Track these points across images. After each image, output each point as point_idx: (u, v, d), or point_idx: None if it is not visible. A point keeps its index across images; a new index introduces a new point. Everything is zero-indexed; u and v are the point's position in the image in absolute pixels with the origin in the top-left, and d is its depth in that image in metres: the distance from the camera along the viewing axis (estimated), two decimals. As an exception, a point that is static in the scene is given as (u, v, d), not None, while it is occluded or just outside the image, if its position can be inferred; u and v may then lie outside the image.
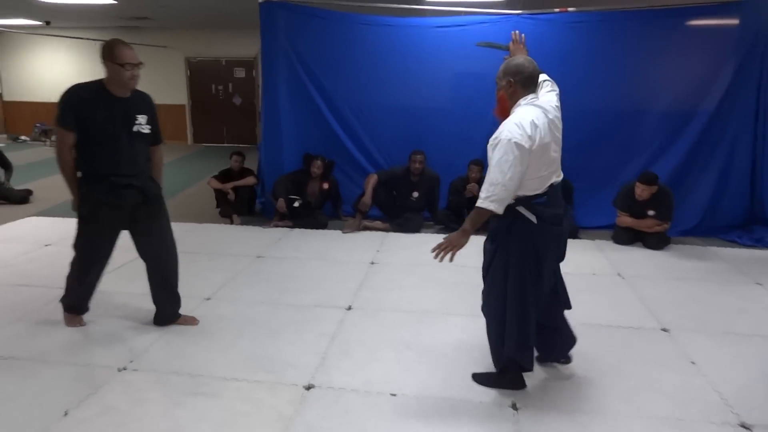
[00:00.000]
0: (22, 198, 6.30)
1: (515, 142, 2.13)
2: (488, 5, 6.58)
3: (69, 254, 3.03)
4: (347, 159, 5.75)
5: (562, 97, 2.45)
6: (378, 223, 5.48)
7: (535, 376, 2.64)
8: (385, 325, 3.26)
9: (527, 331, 2.36)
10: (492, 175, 2.16)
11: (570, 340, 2.67)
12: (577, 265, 4.34)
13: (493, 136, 2.20)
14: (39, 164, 8.90)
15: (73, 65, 11.69)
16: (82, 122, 2.71)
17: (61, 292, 3.14)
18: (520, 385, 2.53)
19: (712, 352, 2.99)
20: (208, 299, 3.63)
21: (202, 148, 11.46)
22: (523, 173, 2.16)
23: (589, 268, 4.33)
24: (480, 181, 5.36)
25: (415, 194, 5.42)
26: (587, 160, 5.32)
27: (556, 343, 2.68)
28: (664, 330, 3.27)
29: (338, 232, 5.33)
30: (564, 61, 5.18)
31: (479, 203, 2.20)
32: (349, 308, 3.50)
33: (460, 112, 5.57)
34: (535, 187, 2.24)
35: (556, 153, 2.28)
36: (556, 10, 5.07)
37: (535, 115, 2.19)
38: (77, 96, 2.72)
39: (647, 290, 3.89)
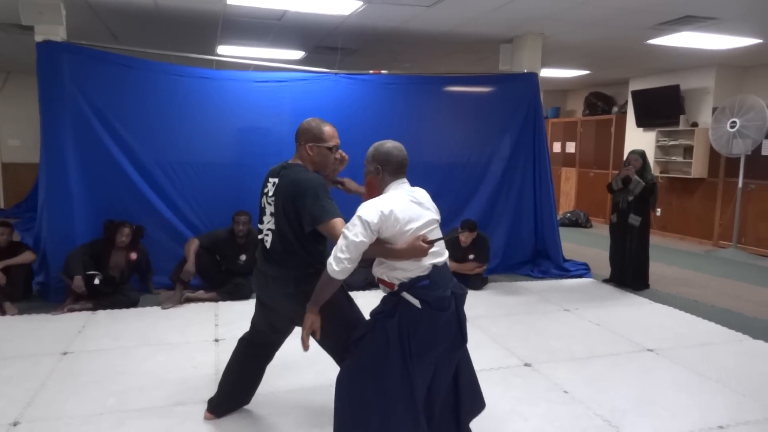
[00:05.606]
0: None
1: (364, 219, 2.06)
2: (284, 61, 6.59)
3: None
4: (158, 224, 4.99)
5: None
6: (201, 293, 4.86)
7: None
8: (282, 416, 2.84)
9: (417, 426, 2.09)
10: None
11: None
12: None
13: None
14: None
15: None
16: None
17: None
18: None
19: (575, 379, 3.35)
20: (16, 425, 2.70)
21: None
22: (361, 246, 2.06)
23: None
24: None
25: (243, 258, 4.96)
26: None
27: None
28: (527, 365, 3.55)
29: (156, 308, 4.57)
30: (377, 118, 5.46)
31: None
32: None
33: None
34: (413, 267, 2.10)
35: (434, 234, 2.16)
36: (371, 71, 5.33)
37: (394, 201, 2.12)
38: None
39: (493, 329, 4.20)
